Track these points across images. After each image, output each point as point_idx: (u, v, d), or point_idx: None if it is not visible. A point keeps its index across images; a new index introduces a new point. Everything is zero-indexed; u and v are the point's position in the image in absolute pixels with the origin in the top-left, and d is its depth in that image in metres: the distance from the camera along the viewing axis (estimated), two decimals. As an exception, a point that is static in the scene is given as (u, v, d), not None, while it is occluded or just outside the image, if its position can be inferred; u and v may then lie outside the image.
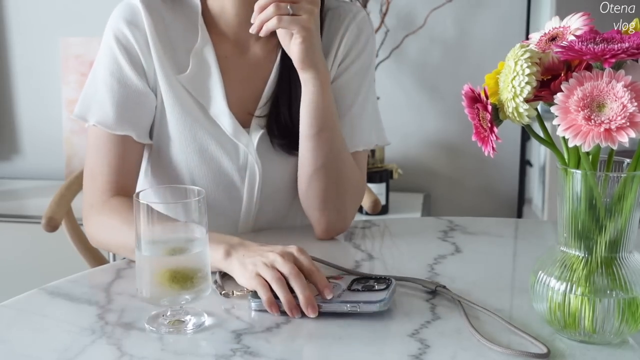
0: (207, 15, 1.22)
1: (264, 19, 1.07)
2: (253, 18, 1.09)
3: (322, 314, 0.91)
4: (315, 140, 1.16)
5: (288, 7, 1.07)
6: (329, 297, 0.91)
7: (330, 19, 1.24)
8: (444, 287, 0.97)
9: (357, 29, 1.24)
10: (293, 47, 1.10)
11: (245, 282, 0.96)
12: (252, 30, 1.09)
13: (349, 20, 1.24)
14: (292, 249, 0.97)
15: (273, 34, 1.13)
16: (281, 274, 0.93)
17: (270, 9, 1.07)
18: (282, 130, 1.21)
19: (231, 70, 1.22)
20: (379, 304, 0.89)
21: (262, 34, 1.09)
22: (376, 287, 0.93)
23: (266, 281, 0.93)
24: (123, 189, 1.17)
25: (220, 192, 1.23)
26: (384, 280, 0.95)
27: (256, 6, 1.08)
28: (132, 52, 1.17)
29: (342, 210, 1.21)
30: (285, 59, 1.19)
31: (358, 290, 0.93)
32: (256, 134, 1.21)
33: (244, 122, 1.21)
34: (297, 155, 1.21)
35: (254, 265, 0.95)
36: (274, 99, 1.22)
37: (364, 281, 0.95)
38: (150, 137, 1.22)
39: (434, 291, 0.97)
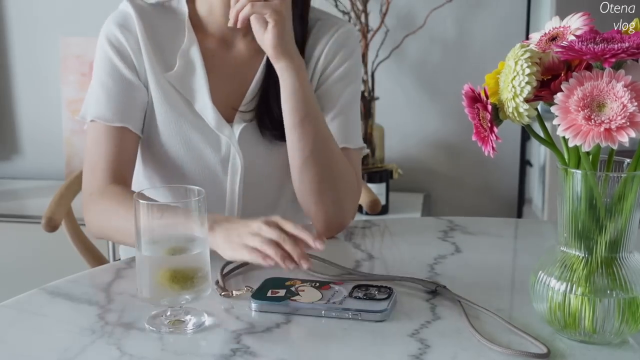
0: (194, 18, 1.28)
1: (239, 8, 1.13)
2: (230, 12, 1.14)
3: (322, 314, 0.91)
4: (299, 128, 1.18)
5: None
6: (305, 266, 0.95)
7: (318, 28, 1.30)
8: (444, 287, 0.97)
9: (342, 38, 1.29)
10: (266, 34, 1.14)
11: (231, 254, 0.98)
12: (230, 23, 1.14)
13: (335, 30, 1.29)
14: (275, 217, 1.00)
15: None
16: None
17: None
18: (275, 123, 1.25)
19: (217, 68, 1.27)
20: (380, 314, 0.90)
21: (238, 24, 1.13)
22: (377, 297, 0.93)
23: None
24: (121, 179, 1.22)
25: (205, 181, 1.25)
26: (386, 289, 0.95)
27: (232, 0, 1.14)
28: (124, 53, 1.24)
29: (339, 203, 1.22)
30: None
31: (359, 298, 0.93)
32: (238, 127, 1.25)
33: (229, 117, 1.27)
34: (282, 145, 1.24)
35: (239, 236, 0.97)
36: (261, 94, 1.27)
37: (365, 289, 0.95)
38: (142, 130, 1.27)
39: (434, 291, 0.97)
